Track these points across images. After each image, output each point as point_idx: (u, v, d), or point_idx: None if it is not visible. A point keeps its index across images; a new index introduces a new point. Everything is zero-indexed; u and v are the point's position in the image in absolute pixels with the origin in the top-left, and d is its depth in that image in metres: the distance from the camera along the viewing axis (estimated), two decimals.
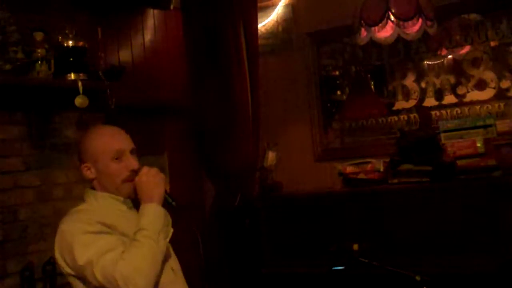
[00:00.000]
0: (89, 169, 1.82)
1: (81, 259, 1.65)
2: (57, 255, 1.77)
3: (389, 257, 2.78)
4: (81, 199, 1.90)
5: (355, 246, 2.35)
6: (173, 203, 1.80)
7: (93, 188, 1.86)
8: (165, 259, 1.78)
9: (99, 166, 1.79)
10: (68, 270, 1.75)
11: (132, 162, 1.80)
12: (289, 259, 3.56)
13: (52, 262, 2.86)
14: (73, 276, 1.75)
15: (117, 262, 1.61)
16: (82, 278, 1.71)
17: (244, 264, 3.77)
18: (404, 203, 3.30)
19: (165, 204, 1.79)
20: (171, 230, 1.79)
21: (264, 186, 4.00)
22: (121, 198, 1.83)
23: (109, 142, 1.80)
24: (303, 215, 3.60)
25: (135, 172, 1.79)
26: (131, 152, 1.83)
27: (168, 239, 1.76)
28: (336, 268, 2.82)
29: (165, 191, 1.79)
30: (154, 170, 1.79)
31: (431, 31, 3.16)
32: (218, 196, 3.94)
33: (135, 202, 1.84)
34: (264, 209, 3.79)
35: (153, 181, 1.76)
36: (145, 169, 1.79)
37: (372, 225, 3.31)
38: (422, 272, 2.14)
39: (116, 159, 1.78)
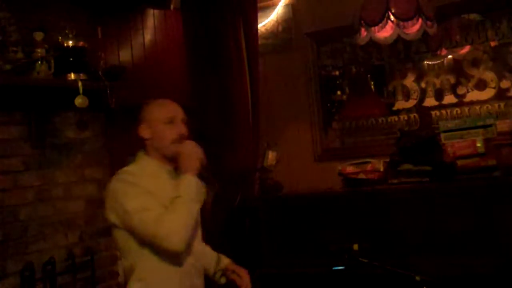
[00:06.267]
0: (145, 129, 2.12)
1: (129, 207, 1.95)
2: (107, 211, 2.04)
3: (389, 257, 2.78)
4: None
5: (355, 246, 2.34)
6: (206, 174, 2.09)
7: (144, 152, 2.16)
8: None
9: (154, 128, 2.10)
10: (117, 221, 2.01)
11: (181, 128, 2.12)
12: (289, 259, 3.56)
13: (52, 262, 2.87)
14: (120, 228, 2.02)
15: (157, 221, 1.92)
16: (128, 229, 1.99)
17: (244, 264, 3.77)
18: (404, 203, 3.30)
19: (200, 174, 2.08)
20: (203, 197, 2.13)
21: (264, 186, 3.99)
22: (167, 167, 2.13)
23: (164, 110, 2.14)
24: (303, 215, 3.60)
25: (182, 137, 2.11)
26: (182, 120, 2.16)
27: (200, 205, 2.08)
28: (336, 268, 2.82)
29: (201, 163, 2.09)
30: (194, 144, 2.11)
31: (431, 31, 3.15)
32: (218, 196, 3.94)
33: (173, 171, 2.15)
34: (264, 209, 3.79)
35: (192, 153, 2.07)
36: (187, 142, 2.11)
37: (372, 225, 3.31)
38: (422, 272, 2.14)
39: (169, 123, 2.10)
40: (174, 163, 2.12)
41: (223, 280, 2.34)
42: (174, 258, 2.03)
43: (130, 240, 2.01)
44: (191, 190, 2.01)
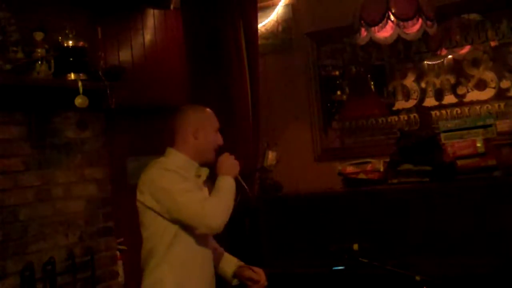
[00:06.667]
0: (197, 131, 2.30)
1: (174, 189, 2.12)
2: (143, 194, 2.18)
3: (389, 257, 2.78)
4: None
5: (355, 246, 2.34)
6: (242, 182, 2.33)
7: (174, 148, 2.32)
8: None
9: (206, 132, 2.33)
10: (152, 203, 2.15)
11: (221, 138, 2.38)
12: (289, 259, 3.56)
13: (52, 262, 2.87)
14: (153, 211, 2.16)
15: (202, 201, 2.13)
16: (168, 210, 2.12)
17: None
18: (404, 203, 3.30)
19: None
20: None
21: (264, 186, 3.99)
22: (196, 164, 2.32)
23: (215, 120, 2.40)
24: (303, 215, 3.60)
25: (220, 146, 2.37)
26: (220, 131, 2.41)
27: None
28: (336, 268, 2.82)
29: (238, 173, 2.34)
30: (232, 156, 2.33)
31: (431, 31, 3.15)
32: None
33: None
34: (264, 209, 3.79)
35: (233, 162, 2.32)
36: (226, 154, 2.33)
37: (372, 225, 3.31)
38: (422, 272, 2.14)
39: (216, 131, 2.36)
40: (203, 164, 2.33)
41: (235, 282, 2.42)
42: (200, 243, 2.19)
43: (161, 222, 2.14)
44: (230, 188, 2.23)
